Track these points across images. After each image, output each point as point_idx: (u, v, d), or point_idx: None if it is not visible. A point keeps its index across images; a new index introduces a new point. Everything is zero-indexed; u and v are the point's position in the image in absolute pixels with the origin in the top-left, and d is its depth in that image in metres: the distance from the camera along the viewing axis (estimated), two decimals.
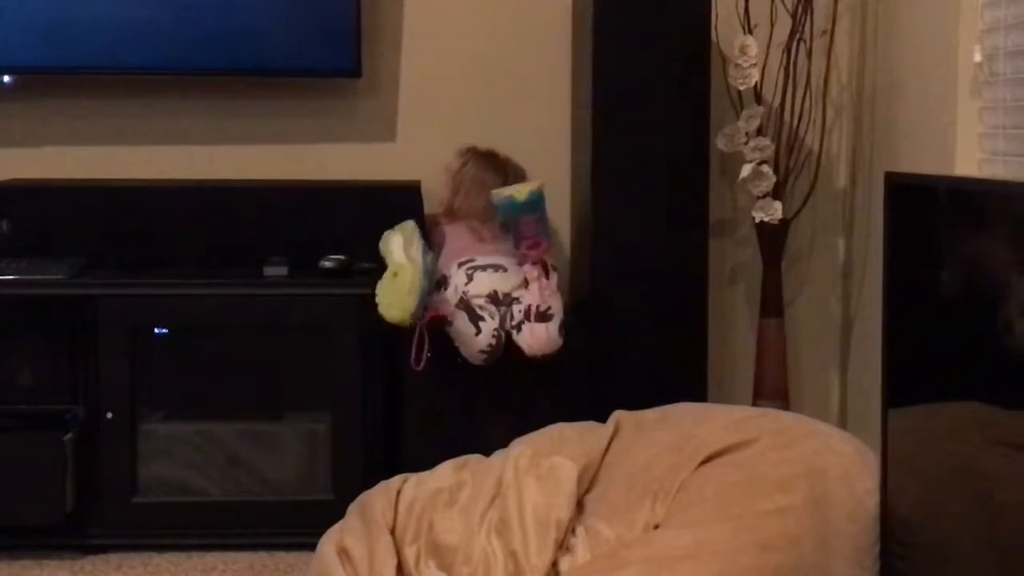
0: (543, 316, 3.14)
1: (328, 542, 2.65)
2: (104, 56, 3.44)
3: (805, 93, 3.45)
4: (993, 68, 2.80)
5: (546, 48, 3.63)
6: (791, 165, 3.46)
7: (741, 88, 3.37)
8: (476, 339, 3.12)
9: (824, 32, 3.48)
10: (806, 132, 3.49)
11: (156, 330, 3.20)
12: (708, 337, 3.33)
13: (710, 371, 3.34)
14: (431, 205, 3.50)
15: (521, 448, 2.70)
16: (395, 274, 3.13)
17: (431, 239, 3.43)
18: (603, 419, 2.80)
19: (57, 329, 3.15)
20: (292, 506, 3.19)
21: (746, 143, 3.37)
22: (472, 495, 2.65)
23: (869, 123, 3.49)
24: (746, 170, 3.37)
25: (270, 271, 3.24)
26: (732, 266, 3.72)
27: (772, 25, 3.41)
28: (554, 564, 2.50)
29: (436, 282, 3.22)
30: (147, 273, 3.23)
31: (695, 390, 3.23)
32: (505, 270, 3.22)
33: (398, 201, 3.44)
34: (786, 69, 3.42)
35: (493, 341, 3.12)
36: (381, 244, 3.22)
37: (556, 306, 3.17)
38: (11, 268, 3.18)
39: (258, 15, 3.46)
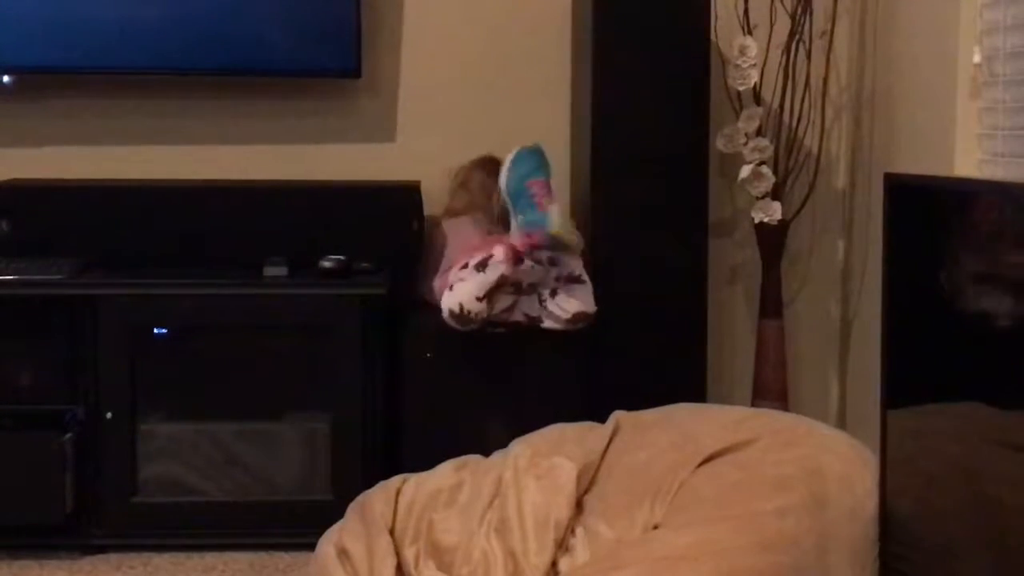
0: (575, 279, 3.15)
1: (327, 542, 2.65)
2: (104, 56, 3.44)
3: (804, 94, 3.45)
4: (992, 69, 2.81)
5: (546, 49, 3.64)
6: (790, 166, 3.47)
7: (740, 89, 3.37)
8: (475, 301, 3.10)
9: (823, 33, 3.48)
10: (805, 133, 3.49)
11: (156, 330, 3.20)
12: (707, 337, 3.33)
13: (709, 371, 3.35)
14: (431, 205, 3.50)
15: (520, 448, 2.70)
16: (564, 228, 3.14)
17: (432, 240, 3.43)
18: (602, 419, 2.80)
19: (57, 329, 3.15)
20: (292, 506, 3.19)
21: (745, 144, 3.38)
22: (471, 495, 2.65)
23: (868, 124, 3.49)
24: (745, 171, 3.37)
25: (270, 271, 3.24)
26: (731, 266, 3.72)
27: (771, 26, 3.41)
28: (553, 564, 2.51)
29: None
30: (147, 273, 3.23)
31: (694, 390, 3.24)
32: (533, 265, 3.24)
33: (398, 201, 3.44)
34: (785, 70, 3.42)
35: (472, 314, 3.11)
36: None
37: (586, 276, 3.18)
38: (11, 268, 3.18)
39: (258, 15, 3.47)
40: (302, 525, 2.99)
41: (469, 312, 3.12)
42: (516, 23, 3.64)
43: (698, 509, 2.46)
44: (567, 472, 2.60)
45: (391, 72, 3.65)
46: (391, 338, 3.23)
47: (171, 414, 3.23)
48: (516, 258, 3.11)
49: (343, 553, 2.60)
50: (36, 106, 3.59)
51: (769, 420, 2.71)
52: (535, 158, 3.23)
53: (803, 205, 3.53)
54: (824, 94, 3.54)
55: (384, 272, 3.30)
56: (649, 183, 3.27)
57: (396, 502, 2.67)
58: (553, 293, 3.18)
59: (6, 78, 3.55)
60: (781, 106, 3.44)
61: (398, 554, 2.58)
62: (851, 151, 3.62)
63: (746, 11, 3.39)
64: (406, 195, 3.44)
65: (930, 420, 2.28)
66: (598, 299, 3.21)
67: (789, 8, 3.40)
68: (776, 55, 3.42)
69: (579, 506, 2.59)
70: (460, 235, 3.37)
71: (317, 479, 3.21)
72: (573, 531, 2.55)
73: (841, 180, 3.67)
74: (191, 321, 3.20)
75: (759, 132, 3.38)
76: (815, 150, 3.54)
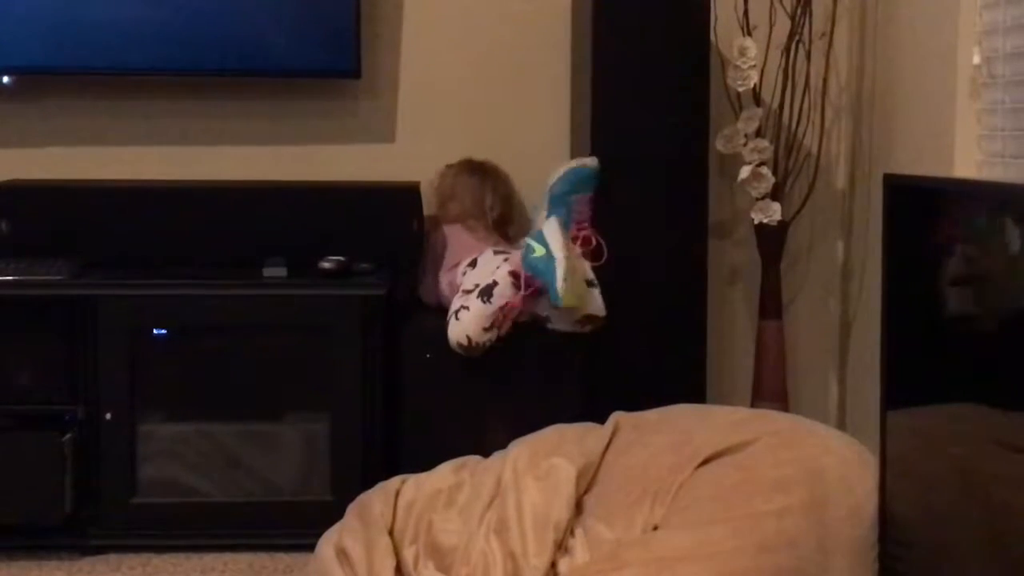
0: (589, 283, 3.16)
1: (327, 543, 2.65)
2: (104, 57, 3.44)
3: (804, 95, 3.45)
4: (992, 70, 2.81)
5: (546, 50, 3.64)
6: (790, 167, 3.47)
7: (740, 90, 3.37)
8: (482, 331, 3.11)
9: (823, 34, 3.48)
10: (805, 134, 3.49)
11: (155, 331, 3.20)
12: (707, 338, 3.34)
13: (709, 372, 3.35)
14: (430, 206, 3.50)
15: (520, 449, 2.70)
16: (564, 273, 3.09)
17: (431, 241, 3.44)
18: (602, 420, 2.80)
19: (56, 330, 3.15)
20: (291, 507, 3.19)
21: (745, 144, 3.38)
22: (471, 496, 2.66)
23: (868, 125, 3.49)
24: (745, 171, 3.37)
25: (269, 272, 3.25)
26: (731, 267, 3.72)
27: (771, 27, 3.41)
28: (553, 565, 2.50)
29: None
30: (146, 274, 3.23)
31: (694, 391, 3.24)
32: None
33: (397, 202, 3.44)
34: (785, 71, 3.42)
35: (481, 344, 3.12)
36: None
37: (595, 281, 3.18)
38: (11, 268, 3.18)
39: (258, 16, 3.47)
40: (301, 526, 2.99)
41: (477, 344, 3.13)
42: (516, 24, 3.64)
43: (698, 510, 2.46)
44: (566, 473, 2.60)
45: (391, 73, 3.65)
46: (390, 339, 3.22)
47: (171, 415, 3.23)
48: (525, 288, 3.10)
49: (342, 554, 2.60)
50: (36, 107, 3.59)
51: (769, 421, 2.71)
52: (590, 180, 3.22)
53: (803, 206, 3.53)
54: (824, 95, 3.54)
55: (383, 273, 3.31)
56: (649, 184, 3.27)
57: (395, 503, 2.67)
58: None
59: (6, 78, 3.55)
60: (781, 107, 3.44)
61: (397, 555, 2.58)
62: (851, 152, 3.62)
63: (746, 12, 3.39)
64: (405, 196, 3.44)
65: (930, 421, 2.28)
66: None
67: (789, 9, 3.40)
68: (776, 56, 3.42)
69: (578, 507, 2.59)
70: (460, 239, 3.38)
71: (316, 480, 3.21)
72: (572, 532, 2.55)
73: (841, 181, 3.67)
74: (191, 322, 3.20)
75: (759, 133, 3.38)
76: (815, 151, 3.54)
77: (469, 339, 3.12)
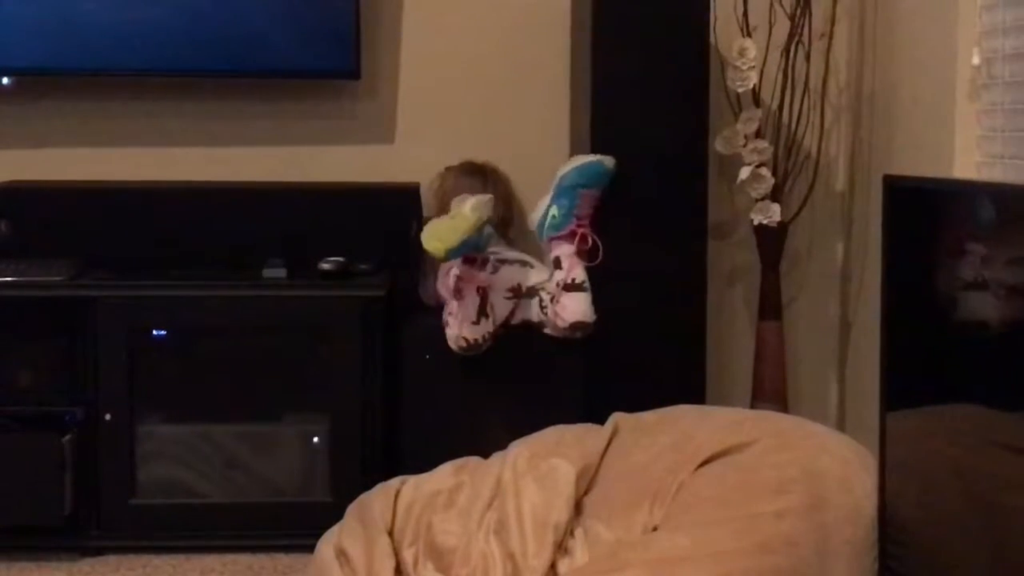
0: (576, 287, 3.15)
1: (326, 544, 2.65)
2: (104, 58, 3.44)
3: (804, 96, 3.45)
4: (991, 71, 2.81)
5: (545, 51, 3.64)
6: (789, 168, 3.47)
7: (740, 90, 3.37)
8: (472, 326, 3.11)
9: (823, 35, 3.48)
10: (804, 135, 3.49)
11: (155, 332, 3.20)
12: (706, 339, 3.33)
13: (708, 373, 3.35)
14: (430, 208, 3.50)
15: (519, 450, 2.70)
16: (452, 217, 3.11)
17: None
18: (602, 421, 2.80)
19: (56, 330, 3.15)
20: (291, 508, 3.19)
21: (745, 145, 3.38)
22: (470, 497, 2.65)
23: (868, 126, 3.49)
24: (745, 172, 3.37)
25: (269, 273, 3.25)
26: (731, 268, 3.72)
27: (771, 28, 3.41)
28: (552, 566, 2.50)
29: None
30: (146, 275, 3.24)
31: (693, 392, 3.24)
32: (532, 266, 3.24)
33: (397, 203, 3.44)
34: (785, 72, 3.42)
35: (479, 339, 3.12)
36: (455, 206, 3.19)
37: (587, 283, 3.18)
38: (10, 269, 3.18)
39: (257, 17, 3.47)
40: (301, 527, 2.99)
41: (475, 339, 3.13)
42: (515, 25, 3.64)
43: (697, 511, 2.46)
44: (566, 474, 2.60)
45: (390, 74, 3.65)
46: (390, 340, 3.23)
47: (170, 416, 3.23)
48: (469, 263, 3.10)
49: (342, 555, 2.59)
50: (35, 107, 3.59)
51: (768, 422, 2.71)
52: (603, 177, 3.22)
53: (802, 207, 3.53)
54: (823, 96, 3.54)
55: (383, 274, 3.31)
56: (648, 184, 3.27)
57: (395, 504, 2.67)
58: (554, 299, 3.18)
59: (6, 79, 3.55)
60: (780, 108, 3.44)
61: (397, 555, 2.58)
62: (850, 153, 3.62)
63: (745, 13, 3.39)
64: (405, 197, 3.45)
65: (929, 422, 2.28)
66: (597, 301, 3.21)
67: (788, 10, 3.40)
68: (775, 57, 3.42)
69: (578, 508, 2.59)
70: None
71: (316, 481, 3.21)
72: (572, 533, 2.55)
73: (840, 182, 3.67)
74: (190, 323, 3.20)
75: (758, 134, 3.38)
76: (814, 152, 3.54)
77: (466, 339, 3.13)
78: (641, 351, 3.26)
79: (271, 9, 3.47)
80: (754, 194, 3.40)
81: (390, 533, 2.62)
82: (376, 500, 2.69)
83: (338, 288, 3.21)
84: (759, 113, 3.38)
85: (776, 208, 3.40)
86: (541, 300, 3.19)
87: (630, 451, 2.67)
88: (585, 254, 3.22)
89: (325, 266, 3.27)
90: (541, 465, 2.63)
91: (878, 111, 3.42)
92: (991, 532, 2.05)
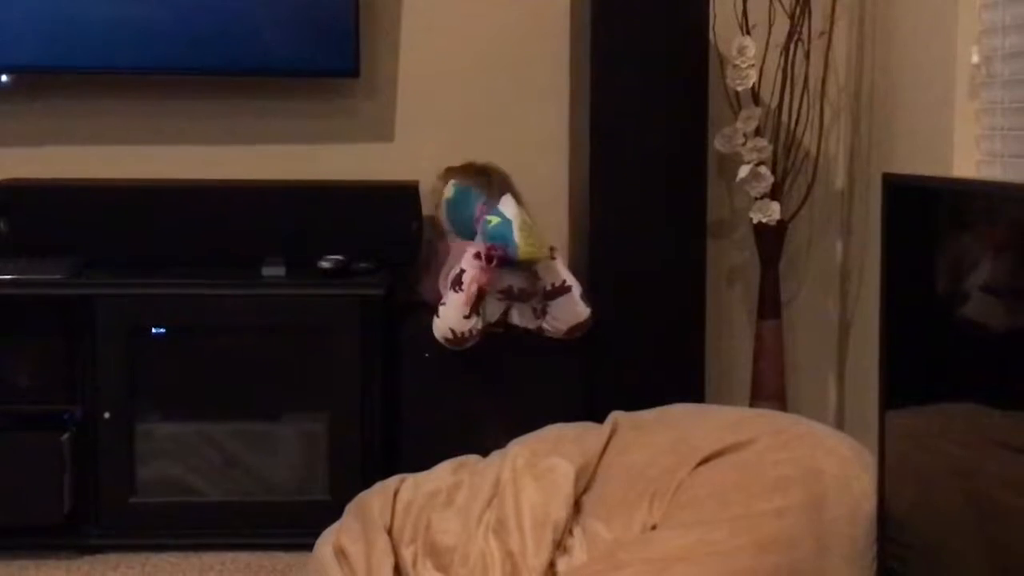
0: (559, 290, 3.14)
1: (325, 542, 2.65)
2: (103, 56, 3.44)
3: (803, 94, 3.45)
4: (991, 70, 2.81)
5: (544, 49, 3.64)
6: (789, 166, 3.47)
7: (739, 89, 3.37)
8: (462, 320, 3.11)
9: (822, 33, 3.48)
10: (804, 133, 3.49)
11: (154, 330, 3.20)
12: (706, 338, 3.33)
13: (707, 372, 3.35)
14: (429, 205, 3.50)
15: (518, 449, 2.70)
16: (521, 226, 3.09)
17: (436, 242, 3.43)
18: (600, 420, 2.80)
19: (55, 329, 3.15)
20: (290, 506, 3.19)
21: (744, 144, 3.38)
22: (469, 496, 2.65)
23: (867, 124, 3.49)
24: (744, 171, 3.37)
25: (268, 271, 3.25)
26: (730, 267, 3.72)
27: (770, 26, 3.41)
28: (551, 565, 2.51)
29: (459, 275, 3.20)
30: (145, 273, 3.23)
31: (692, 391, 3.23)
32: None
33: (396, 201, 3.44)
34: (784, 70, 3.42)
35: (465, 333, 3.12)
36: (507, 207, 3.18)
37: (569, 279, 3.18)
38: (9, 268, 3.18)
39: (257, 15, 3.46)
40: (300, 525, 2.99)
41: (462, 333, 3.13)
42: (515, 24, 3.64)
43: (696, 510, 2.46)
44: (565, 472, 2.60)
45: (390, 72, 3.65)
46: (389, 338, 3.22)
47: (169, 414, 3.23)
48: (487, 261, 3.10)
49: (341, 553, 2.60)
50: (34, 105, 3.59)
51: (767, 421, 2.71)
52: (465, 193, 3.22)
53: (801, 205, 3.53)
54: (823, 94, 3.54)
55: (382, 272, 3.31)
56: (647, 183, 3.27)
57: (394, 502, 2.67)
58: (543, 311, 3.18)
59: (4, 77, 3.55)
60: (780, 106, 3.44)
61: (396, 554, 2.58)
62: (849, 151, 3.62)
63: (744, 11, 3.39)
64: (405, 195, 3.44)
65: (928, 421, 2.28)
66: (596, 300, 3.21)
67: (788, 8, 3.40)
68: (775, 55, 3.42)
69: (577, 506, 2.59)
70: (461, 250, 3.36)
71: (315, 479, 3.21)
72: (571, 531, 2.55)
73: (839, 180, 3.67)
74: (189, 321, 3.20)
75: (758, 132, 3.38)
76: (813, 150, 3.54)
77: (453, 331, 3.12)
78: (640, 350, 3.26)
79: (271, 7, 3.47)
80: (753, 193, 3.40)
81: (389, 532, 2.62)
82: (375, 499, 2.69)
83: (337, 286, 3.21)
84: (758, 111, 3.38)
85: (775, 207, 3.40)
86: (534, 309, 3.19)
87: (629, 450, 2.67)
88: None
89: (324, 264, 3.27)
90: (540, 464, 2.64)
91: (877, 109, 3.41)
92: (989, 530, 2.05)
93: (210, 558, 3.12)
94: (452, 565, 2.54)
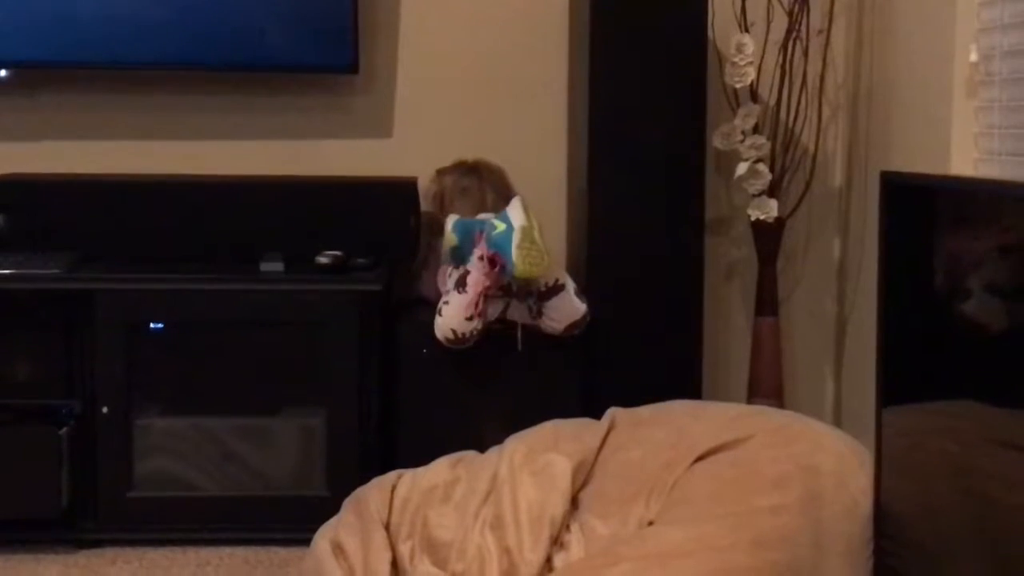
0: (553, 290, 3.14)
1: (323, 537, 2.65)
2: (101, 51, 3.44)
3: (801, 91, 3.46)
4: (989, 68, 2.81)
5: (543, 45, 3.64)
6: (787, 163, 3.47)
7: (737, 86, 3.37)
8: (464, 321, 3.11)
9: (820, 31, 3.48)
10: (802, 130, 3.50)
11: (152, 325, 3.20)
12: (703, 335, 3.33)
13: (705, 369, 3.35)
14: (427, 202, 3.50)
15: (516, 444, 2.71)
16: (522, 242, 3.07)
17: (432, 245, 3.43)
18: (598, 416, 2.80)
19: (53, 323, 3.15)
20: (287, 501, 3.19)
21: (742, 141, 3.38)
22: (467, 491, 2.66)
23: (865, 122, 3.49)
24: (742, 168, 3.38)
25: (266, 267, 3.24)
26: (727, 264, 3.72)
27: (769, 23, 3.41)
28: (548, 560, 2.51)
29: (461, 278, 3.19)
30: (143, 268, 3.23)
31: (690, 387, 3.24)
32: None
33: (394, 197, 3.44)
34: (782, 67, 3.42)
35: (467, 334, 3.12)
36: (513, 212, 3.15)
37: (563, 276, 3.17)
38: (7, 262, 3.18)
39: (255, 11, 3.46)
40: (297, 520, 2.99)
41: (464, 334, 3.13)
42: (513, 20, 3.64)
43: (693, 506, 2.47)
44: (562, 468, 2.61)
45: (388, 68, 3.65)
46: (387, 334, 3.23)
47: (167, 409, 3.23)
48: (491, 265, 3.09)
49: (338, 548, 2.60)
50: (32, 100, 3.59)
51: (764, 417, 2.71)
52: (468, 232, 3.21)
53: (799, 203, 3.53)
54: (821, 92, 3.54)
55: (380, 268, 3.31)
56: (646, 180, 3.27)
57: (391, 498, 2.67)
58: (539, 312, 3.18)
59: (3, 72, 3.55)
60: (778, 103, 3.44)
61: (393, 549, 2.58)
62: (847, 149, 3.62)
63: (743, 8, 3.39)
64: (403, 191, 3.45)
65: (925, 418, 2.28)
66: (594, 297, 3.22)
67: (786, 6, 3.40)
68: (773, 52, 3.42)
69: (574, 502, 2.60)
70: None
71: (312, 475, 3.21)
72: (568, 527, 2.55)
73: (837, 178, 3.68)
74: (187, 316, 3.20)
75: (756, 129, 3.39)
76: (811, 148, 3.54)
77: (454, 332, 3.13)
78: (638, 346, 3.26)
79: (269, 3, 3.47)
80: (751, 190, 3.40)
81: (386, 527, 2.62)
82: (372, 494, 2.69)
83: (335, 282, 3.21)
84: (757, 109, 3.38)
85: (773, 204, 3.40)
86: (530, 308, 3.19)
87: (626, 446, 2.67)
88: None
89: (322, 260, 3.26)
90: (537, 460, 2.64)
91: (875, 107, 3.42)
92: (986, 528, 2.05)
93: (207, 553, 3.12)
94: (449, 560, 2.54)
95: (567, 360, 3.24)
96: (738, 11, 3.39)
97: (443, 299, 3.16)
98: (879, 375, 2.38)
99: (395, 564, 2.57)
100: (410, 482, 2.70)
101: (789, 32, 3.41)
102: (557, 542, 2.53)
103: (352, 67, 3.50)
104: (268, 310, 3.19)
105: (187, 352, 3.23)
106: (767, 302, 3.49)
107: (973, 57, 2.84)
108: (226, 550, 3.13)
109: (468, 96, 3.66)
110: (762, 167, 3.37)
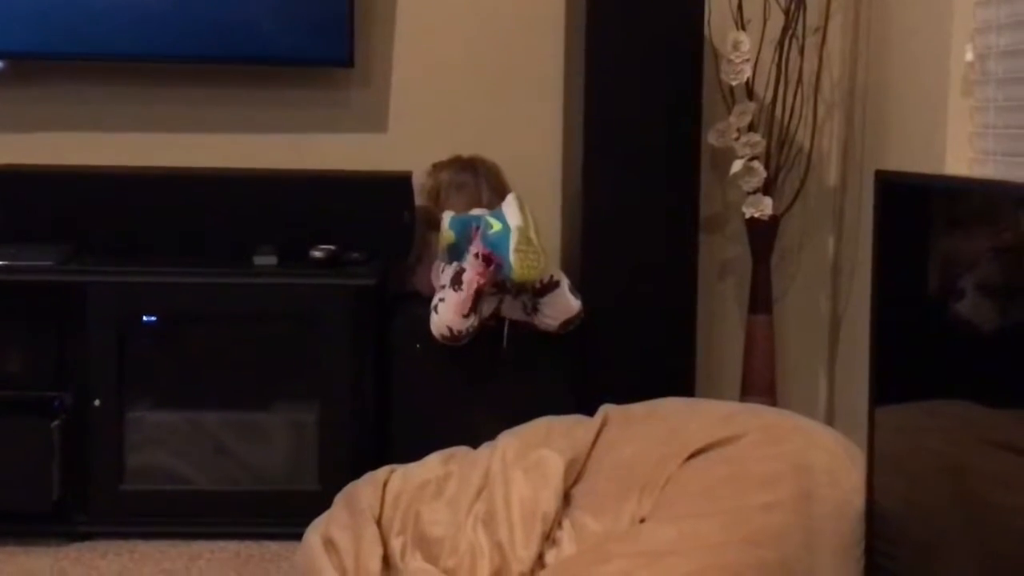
0: (548, 287, 3.14)
1: (314, 532, 2.65)
2: (96, 43, 3.43)
3: (797, 90, 3.45)
4: (985, 67, 2.81)
5: (539, 41, 3.63)
6: (782, 161, 3.47)
7: (733, 84, 3.37)
8: (461, 319, 3.10)
9: (817, 29, 3.48)
10: (797, 129, 3.49)
11: (145, 318, 3.19)
12: (697, 332, 3.33)
13: (698, 366, 3.35)
14: (421, 197, 3.49)
15: (508, 441, 2.70)
16: (519, 245, 3.04)
17: (427, 240, 3.43)
18: (591, 413, 2.80)
19: (45, 316, 3.14)
20: (279, 496, 3.19)
21: (737, 139, 3.38)
22: (459, 487, 2.66)
23: (860, 121, 3.49)
24: (737, 166, 3.38)
25: (260, 260, 3.24)
26: (722, 262, 3.72)
27: (765, 21, 3.41)
28: (540, 556, 2.51)
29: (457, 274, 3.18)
30: (136, 261, 3.23)
31: (683, 385, 3.24)
32: None
33: (389, 192, 3.43)
34: (778, 66, 3.42)
35: (463, 331, 3.12)
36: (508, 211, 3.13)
37: (556, 273, 3.17)
38: (0, 253, 3.17)
39: (250, 3, 3.45)
40: (289, 515, 2.98)
41: (460, 332, 3.12)
42: (510, 15, 3.64)
43: (685, 503, 2.47)
44: (555, 465, 2.60)
45: (384, 62, 3.64)
46: (381, 329, 3.22)
47: (159, 402, 3.23)
48: (486, 264, 3.09)
49: (330, 543, 2.59)
50: (26, 92, 3.57)
51: (757, 415, 2.72)
52: (464, 227, 3.20)
53: (794, 201, 3.53)
54: (816, 90, 3.54)
55: (374, 262, 3.30)
56: (640, 177, 3.27)
57: (383, 493, 2.67)
58: (534, 308, 3.18)
59: None
60: (773, 101, 3.44)
61: (385, 545, 2.58)
62: (842, 148, 3.62)
63: (740, 6, 3.39)
64: (397, 186, 3.44)
65: (918, 417, 2.28)
66: (588, 295, 3.21)
67: (783, 4, 3.40)
68: (769, 50, 3.42)
69: (566, 499, 2.60)
70: None
71: (305, 469, 3.21)
72: (560, 524, 2.55)
73: (832, 176, 3.67)
74: (180, 309, 3.19)
75: (751, 127, 3.38)
76: (807, 146, 3.54)
77: (450, 329, 3.12)
78: (631, 343, 3.26)
79: None
80: (746, 187, 3.40)
81: (378, 522, 2.62)
82: (364, 489, 2.69)
83: (329, 276, 3.21)
84: (752, 106, 3.38)
85: (768, 202, 3.40)
86: (524, 305, 3.18)
87: (619, 443, 2.67)
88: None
89: (316, 254, 3.26)
90: (530, 456, 2.64)
91: (871, 106, 3.42)
92: (978, 527, 2.05)
93: (199, 546, 3.11)
94: (441, 556, 2.54)
95: (560, 357, 3.24)
96: (734, 8, 3.39)
97: (438, 296, 3.16)
98: (872, 374, 2.38)
99: (386, 559, 2.57)
100: (402, 477, 2.70)
101: (785, 30, 3.41)
102: (549, 538, 2.53)
103: (347, 61, 3.50)
104: (261, 304, 3.19)
105: (180, 345, 3.23)
106: (761, 300, 3.49)
107: (969, 57, 2.84)
108: (217, 544, 3.13)
109: (464, 91, 3.65)
110: (757, 165, 3.37)
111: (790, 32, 3.40)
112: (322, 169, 3.56)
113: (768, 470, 2.48)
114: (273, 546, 3.11)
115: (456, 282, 3.12)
